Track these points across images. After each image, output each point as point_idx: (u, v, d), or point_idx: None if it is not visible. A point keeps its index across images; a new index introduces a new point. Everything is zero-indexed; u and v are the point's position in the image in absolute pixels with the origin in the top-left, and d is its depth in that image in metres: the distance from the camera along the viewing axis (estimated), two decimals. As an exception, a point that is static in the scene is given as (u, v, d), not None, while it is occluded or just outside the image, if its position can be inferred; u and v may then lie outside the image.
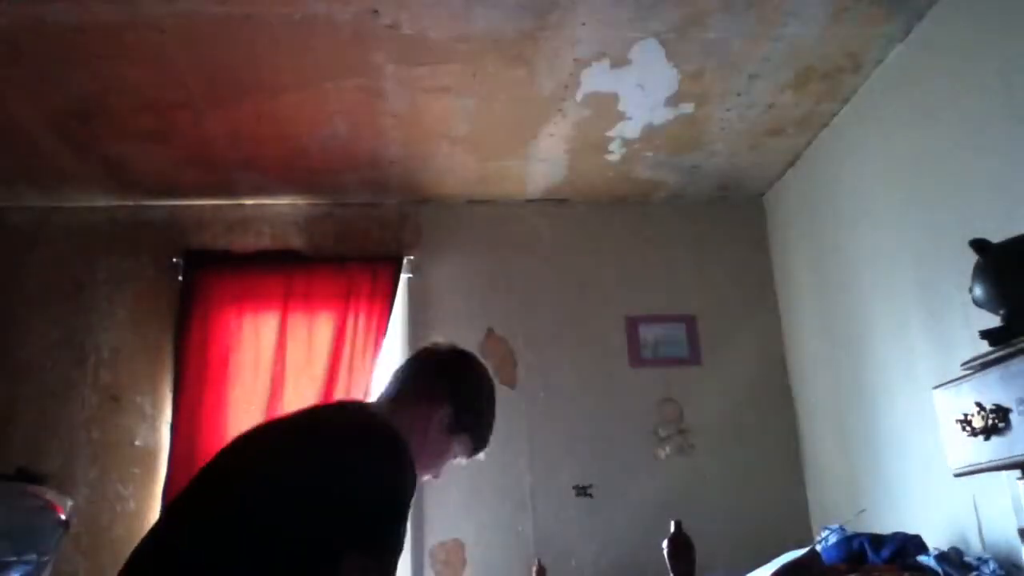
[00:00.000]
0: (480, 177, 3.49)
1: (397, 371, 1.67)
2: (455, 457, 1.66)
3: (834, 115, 3.09)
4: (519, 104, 2.94)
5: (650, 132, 3.17)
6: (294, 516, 1.26)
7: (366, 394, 3.26)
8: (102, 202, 3.56)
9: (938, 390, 1.79)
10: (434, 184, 3.53)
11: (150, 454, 3.27)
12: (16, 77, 2.67)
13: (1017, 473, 1.67)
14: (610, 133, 3.17)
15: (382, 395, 1.63)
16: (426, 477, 1.64)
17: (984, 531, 2.25)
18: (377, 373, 3.32)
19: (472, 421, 1.63)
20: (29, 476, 2.84)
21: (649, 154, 3.35)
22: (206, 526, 1.28)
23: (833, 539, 2.47)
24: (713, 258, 3.69)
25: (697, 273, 3.67)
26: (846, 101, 3.00)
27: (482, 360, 1.75)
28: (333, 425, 1.41)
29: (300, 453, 1.33)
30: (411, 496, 1.36)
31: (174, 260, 3.46)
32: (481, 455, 1.70)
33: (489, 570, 3.23)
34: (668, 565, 2.47)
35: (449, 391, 1.60)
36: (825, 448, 3.25)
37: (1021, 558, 1.97)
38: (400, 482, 1.35)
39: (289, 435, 1.40)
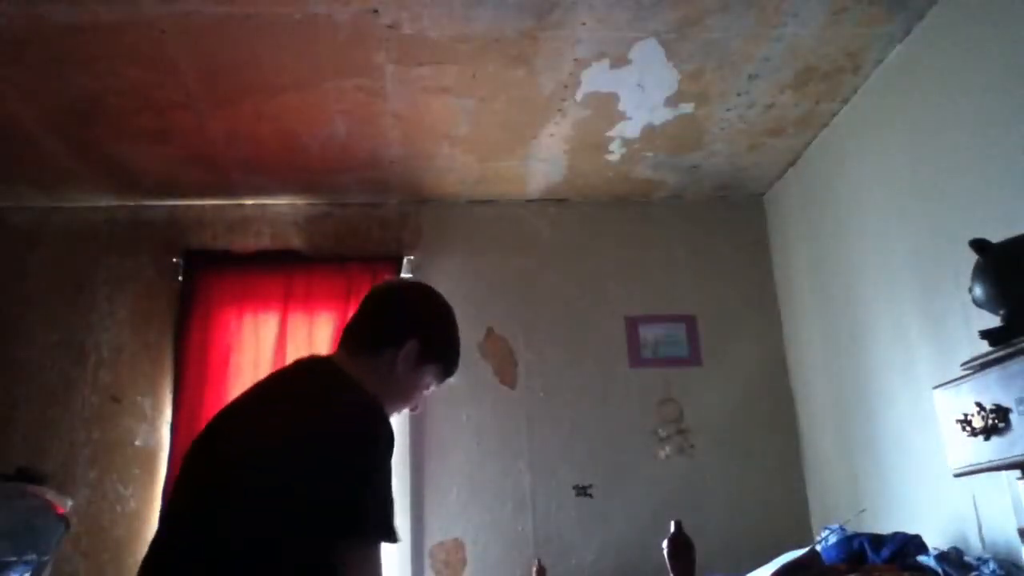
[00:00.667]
0: (480, 177, 3.49)
1: (357, 314, 1.62)
2: (428, 387, 1.63)
3: (834, 115, 3.09)
4: (519, 104, 2.94)
5: (650, 132, 3.17)
6: (293, 513, 1.26)
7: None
8: (102, 202, 3.56)
9: (938, 390, 1.79)
10: (434, 184, 3.53)
11: (150, 454, 3.27)
12: (16, 77, 2.67)
13: (1017, 473, 1.67)
14: (610, 133, 3.17)
15: (346, 340, 1.58)
16: (405, 411, 1.64)
17: (984, 531, 2.25)
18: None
19: (439, 348, 1.60)
20: (29, 476, 2.83)
21: (649, 154, 3.35)
22: (210, 532, 1.28)
23: (833, 539, 2.47)
24: (713, 258, 3.69)
25: (697, 273, 3.67)
26: (846, 101, 3.00)
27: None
28: (319, 417, 1.36)
29: (293, 455, 1.30)
30: (391, 459, 1.37)
31: (174, 260, 3.47)
32: (452, 379, 1.66)
33: (489, 570, 3.24)
34: (668, 565, 2.47)
35: (412, 324, 1.56)
36: (825, 448, 3.25)
37: (1021, 558, 1.97)
38: (385, 459, 1.34)
39: (276, 430, 1.35)
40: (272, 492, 1.27)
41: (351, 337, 1.57)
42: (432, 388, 1.64)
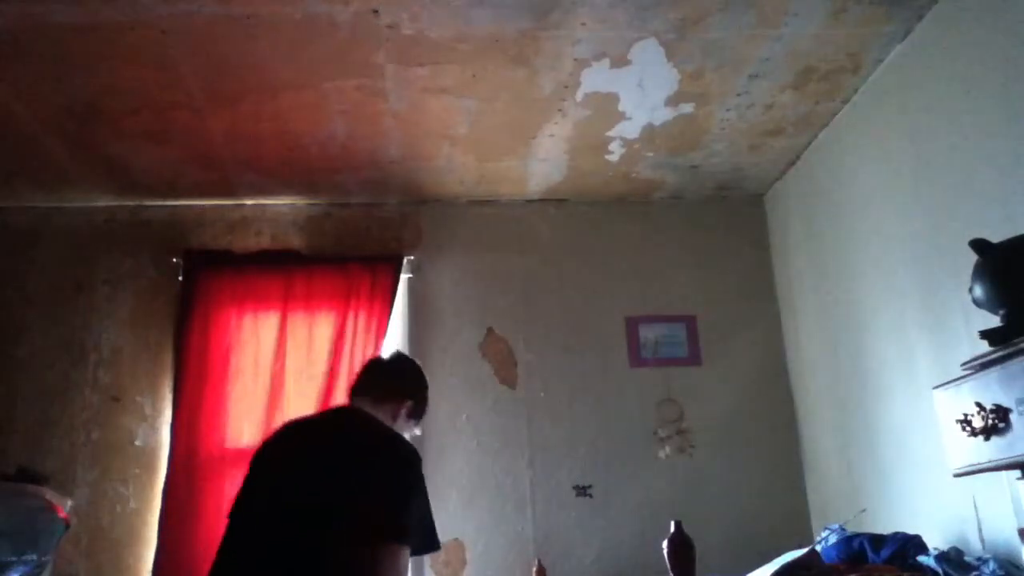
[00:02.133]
0: (480, 177, 3.49)
1: (366, 376, 2.14)
2: (407, 434, 2.15)
3: (834, 115, 3.09)
4: (519, 104, 2.94)
5: (650, 132, 3.17)
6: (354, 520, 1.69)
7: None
8: (102, 202, 3.56)
9: (938, 390, 1.79)
10: (434, 184, 3.53)
11: (150, 454, 3.27)
12: (16, 77, 2.67)
13: (1017, 473, 1.67)
14: (610, 133, 3.18)
15: (361, 397, 2.07)
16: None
17: (984, 531, 2.25)
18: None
19: (422, 410, 2.19)
20: (29, 476, 2.84)
21: (649, 154, 3.35)
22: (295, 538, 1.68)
23: (833, 539, 2.47)
24: (713, 258, 3.69)
25: (697, 273, 3.67)
26: (846, 101, 3.00)
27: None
28: (380, 452, 1.86)
29: (357, 481, 1.76)
30: (424, 483, 1.90)
31: (174, 260, 3.46)
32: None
33: (489, 570, 3.24)
34: (668, 565, 2.48)
35: (410, 391, 2.14)
36: (825, 448, 3.25)
37: (1021, 558, 1.97)
38: (422, 480, 1.90)
39: (340, 461, 1.81)
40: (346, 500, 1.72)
41: (367, 390, 2.09)
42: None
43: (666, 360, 3.54)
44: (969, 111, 2.30)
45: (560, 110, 2.99)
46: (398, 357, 2.31)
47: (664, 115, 3.06)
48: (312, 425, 2.03)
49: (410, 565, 3.23)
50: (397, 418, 2.09)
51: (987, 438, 1.59)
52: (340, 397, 3.27)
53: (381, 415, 2.01)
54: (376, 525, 1.69)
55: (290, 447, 1.91)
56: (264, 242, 3.58)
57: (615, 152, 3.32)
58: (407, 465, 1.85)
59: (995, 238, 1.75)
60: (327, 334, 3.37)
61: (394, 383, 2.15)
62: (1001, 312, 1.70)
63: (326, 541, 1.66)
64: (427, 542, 1.89)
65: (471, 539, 3.27)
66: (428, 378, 2.21)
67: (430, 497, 1.97)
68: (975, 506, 2.27)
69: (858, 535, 2.41)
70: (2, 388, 3.30)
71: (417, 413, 2.17)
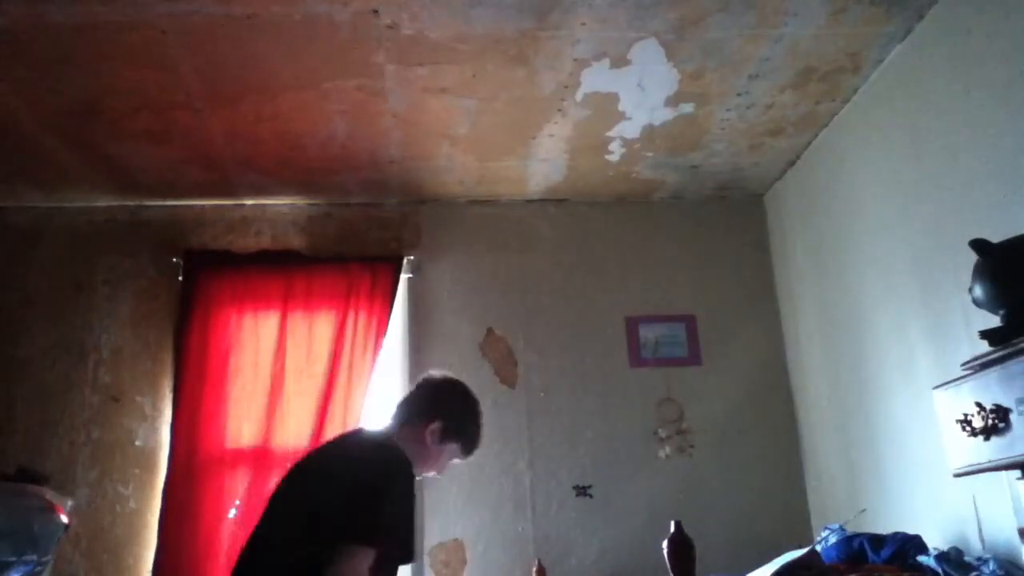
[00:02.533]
0: (480, 177, 3.49)
1: (403, 398, 2.13)
2: (452, 458, 2.11)
3: (834, 115, 3.09)
4: (519, 104, 2.94)
5: (650, 132, 3.17)
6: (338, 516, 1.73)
7: (365, 394, 3.29)
8: (102, 202, 3.56)
9: (938, 390, 1.79)
10: (434, 184, 3.53)
11: (150, 454, 3.27)
12: (16, 77, 2.67)
13: (1017, 473, 1.67)
14: (610, 133, 3.18)
15: (392, 418, 2.09)
16: (431, 474, 2.12)
17: (984, 531, 2.25)
18: (377, 373, 3.33)
19: (459, 431, 2.08)
20: (29, 476, 2.83)
21: (649, 154, 3.35)
22: (288, 529, 1.79)
23: (833, 539, 2.47)
24: (713, 258, 3.69)
25: (697, 273, 3.67)
26: (846, 101, 3.00)
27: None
28: (364, 460, 1.87)
29: (329, 489, 1.80)
30: (405, 491, 1.81)
31: (174, 260, 3.46)
32: (473, 456, 2.16)
33: (489, 570, 3.24)
34: (668, 565, 2.48)
35: (438, 411, 2.06)
36: (825, 448, 3.25)
37: (1021, 558, 1.98)
38: (393, 491, 1.80)
39: (319, 476, 1.88)
40: (314, 505, 1.76)
41: (396, 413, 2.10)
42: (457, 460, 2.14)
43: (666, 360, 3.54)
44: (969, 111, 2.30)
45: (560, 110, 2.99)
46: (428, 378, 2.20)
47: (664, 115, 3.06)
48: (313, 451, 2.09)
49: (411, 565, 3.24)
50: (424, 441, 2.01)
51: (987, 438, 1.59)
52: (340, 397, 3.28)
53: (403, 442, 1.94)
54: (338, 524, 1.70)
55: (292, 472, 1.98)
56: (264, 242, 3.58)
57: (615, 152, 3.32)
58: (379, 469, 1.79)
59: (995, 238, 1.75)
60: (327, 334, 3.37)
61: (415, 404, 2.09)
62: (1001, 312, 1.70)
63: (299, 545, 1.70)
64: (400, 552, 1.81)
65: (471, 539, 3.27)
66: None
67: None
68: (975, 506, 2.28)
69: (858, 535, 2.41)
70: (2, 388, 3.30)
71: (452, 435, 2.06)
